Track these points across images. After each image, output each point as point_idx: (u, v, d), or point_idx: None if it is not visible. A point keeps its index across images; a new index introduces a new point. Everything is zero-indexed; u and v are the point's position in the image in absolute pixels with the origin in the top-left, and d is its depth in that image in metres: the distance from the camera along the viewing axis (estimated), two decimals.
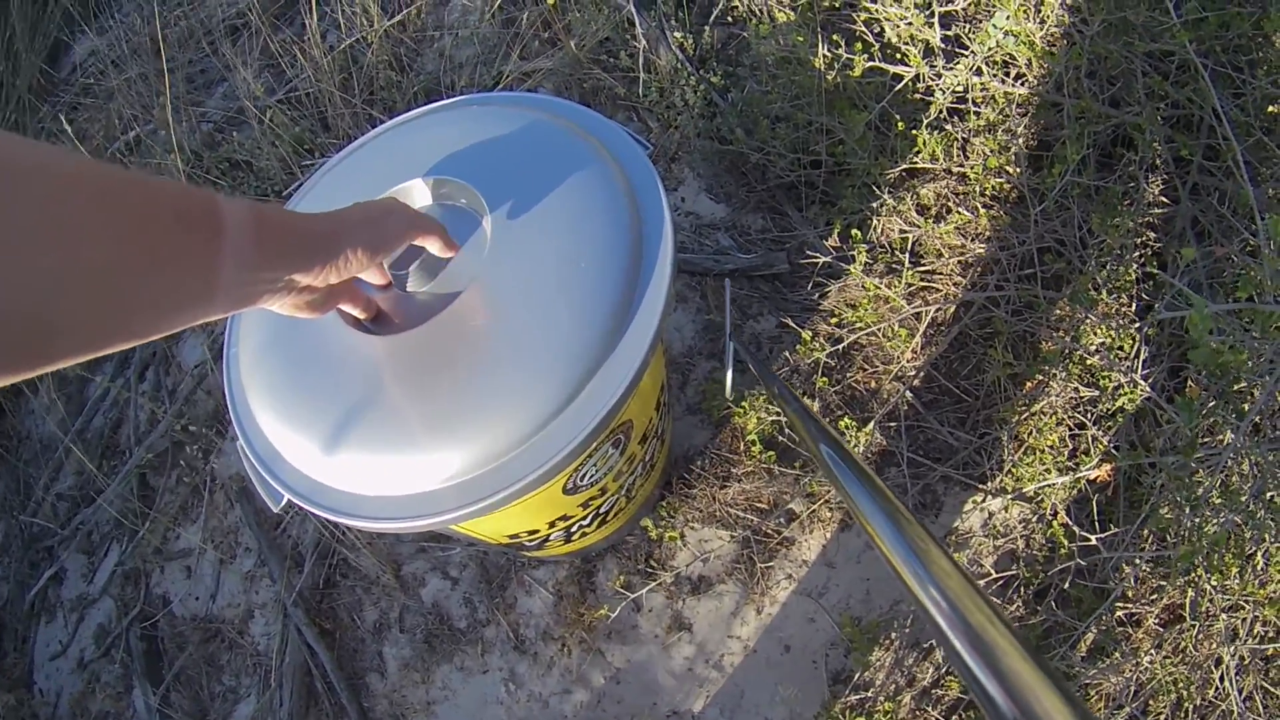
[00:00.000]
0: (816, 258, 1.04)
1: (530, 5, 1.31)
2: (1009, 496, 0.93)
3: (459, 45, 1.38)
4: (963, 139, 0.95)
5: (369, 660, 1.11)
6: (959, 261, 1.00)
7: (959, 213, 0.98)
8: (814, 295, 1.09)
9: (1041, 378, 0.92)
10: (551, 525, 0.81)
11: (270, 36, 1.49)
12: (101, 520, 1.37)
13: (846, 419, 0.98)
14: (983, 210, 0.98)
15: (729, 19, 1.24)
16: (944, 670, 0.92)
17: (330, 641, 1.12)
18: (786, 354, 1.09)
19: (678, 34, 1.19)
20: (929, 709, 0.91)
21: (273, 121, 1.32)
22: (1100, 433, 0.87)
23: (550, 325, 0.52)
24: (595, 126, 0.63)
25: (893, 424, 1.03)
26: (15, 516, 1.48)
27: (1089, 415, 0.90)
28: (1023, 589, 0.90)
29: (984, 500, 0.99)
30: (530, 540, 0.84)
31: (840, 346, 1.01)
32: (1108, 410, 0.87)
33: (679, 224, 1.21)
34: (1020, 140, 0.93)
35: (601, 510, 0.87)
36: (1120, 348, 0.86)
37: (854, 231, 0.95)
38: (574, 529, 0.85)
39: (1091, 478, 0.89)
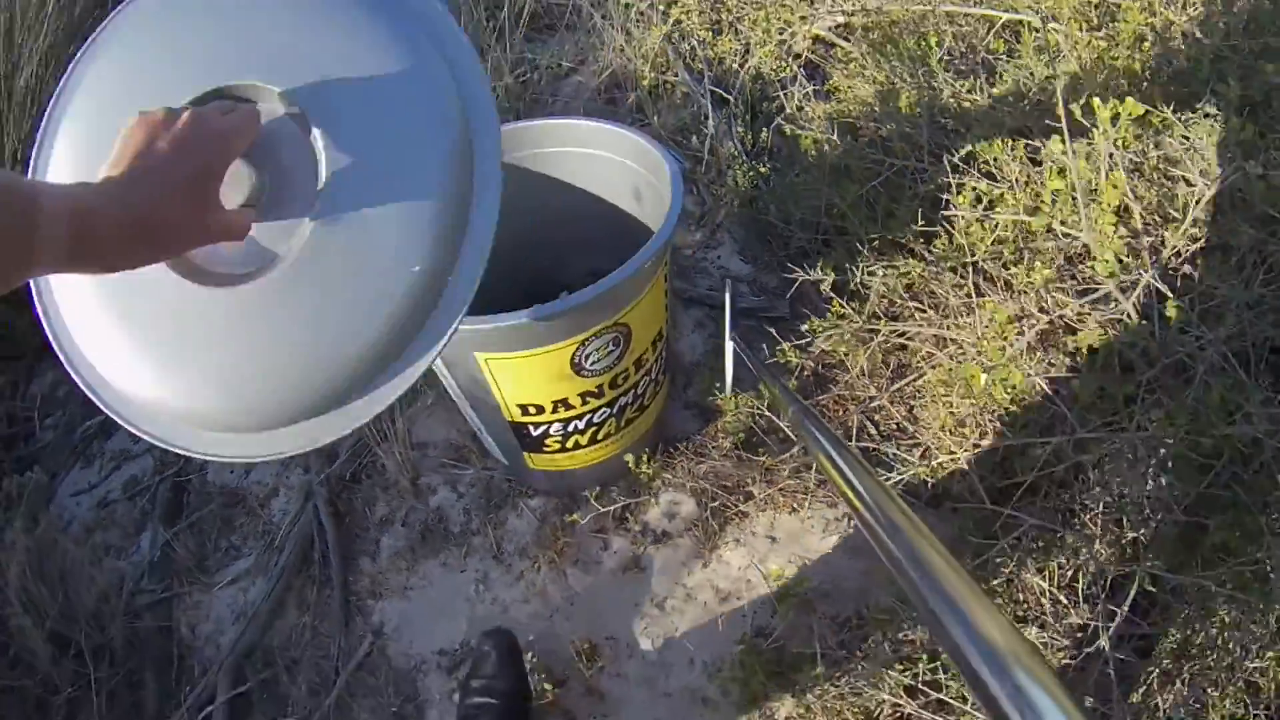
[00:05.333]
0: (815, 306, 1.43)
1: (631, 90, 1.85)
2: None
3: (568, 114, 1.92)
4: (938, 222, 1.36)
5: (366, 546, 1.41)
6: (912, 297, 1.36)
7: (928, 275, 1.36)
8: (810, 337, 1.45)
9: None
10: (554, 408, 1.15)
11: None
12: None
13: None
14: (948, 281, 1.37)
15: (784, 132, 1.74)
16: (849, 634, 1.18)
17: (339, 523, 1.43)
18: (776, 389, 1.45)
19: (739, 129, 1.69)
20: (836, 672, 1.16)
21: None
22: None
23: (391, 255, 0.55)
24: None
25: (854, 443, 1.36)
26: None
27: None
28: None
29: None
30: (535, 424, 1.18)
31: (817, 369, 1.37)
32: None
33: (714, 275, 1.63)
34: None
35: (596, 421, 1.21)
36: None
37: (822, 271, 1.32)
38: (570, 426, 1.19)
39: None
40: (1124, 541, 1.06)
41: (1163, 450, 1.05)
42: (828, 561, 1.27)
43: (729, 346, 1.23)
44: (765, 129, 1.72)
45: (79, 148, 0.59)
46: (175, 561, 1.48)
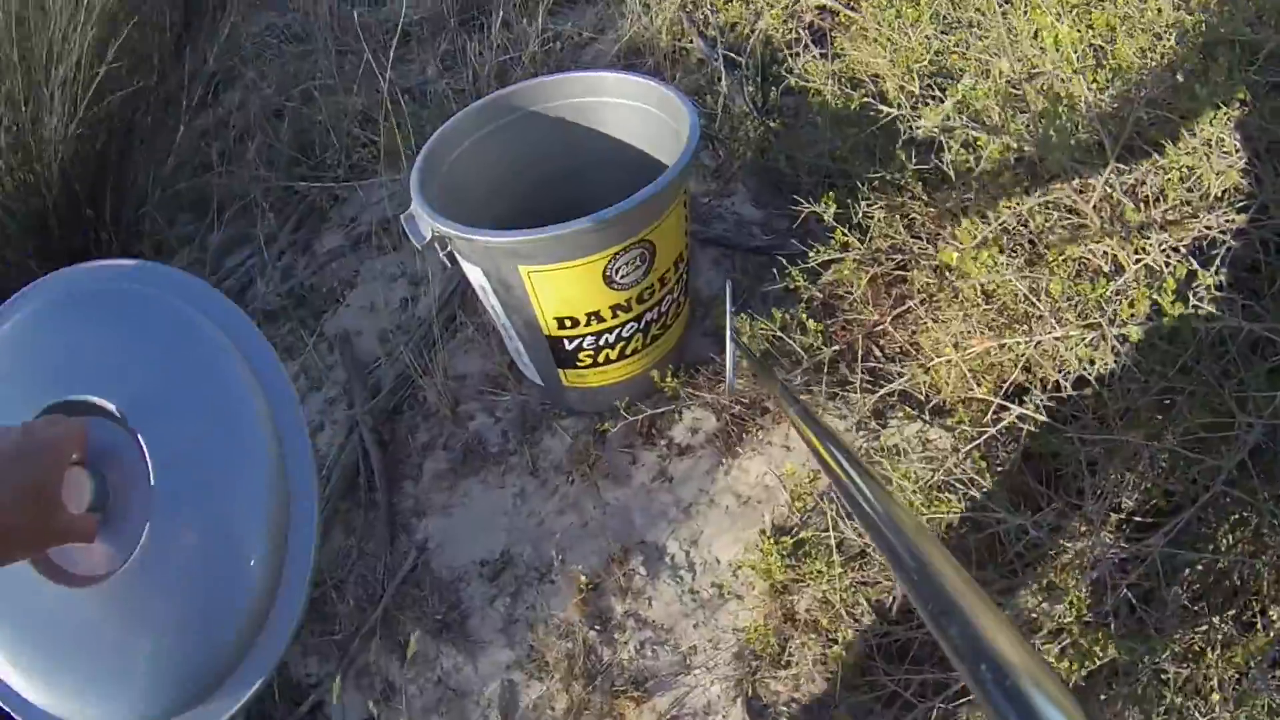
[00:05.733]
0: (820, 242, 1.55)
1: (649, 55, 1.98)
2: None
3: None
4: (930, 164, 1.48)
5: (409, 470, 1.53)
6: (911, 234, 1.48)
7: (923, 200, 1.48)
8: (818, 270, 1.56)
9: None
10: (588, 321, 1.27)
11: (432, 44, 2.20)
12: None
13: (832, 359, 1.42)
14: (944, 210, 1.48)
15: (793, 91, 1.87)
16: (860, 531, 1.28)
17: (383, 450, 1.54)
18: (788, 313, 1.56)
19: (750, 89, 1.82)
20: (852, 565, 1.27)
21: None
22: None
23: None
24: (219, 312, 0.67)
25: (856, 365, 1.47)
26: None
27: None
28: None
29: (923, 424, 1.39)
30: (570, 338, 1.30)
31: (824, 299, 1.48)
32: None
33: (728, 220, 1.76)
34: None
35: (625, 335, 1.33)
36: None
37: (848, 205, 1.45)
38: (601, 340, 1.31)
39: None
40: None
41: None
42: None
43: (729, 346, 1.26)
44: (774, 89, 1.84)
45: None
46: None
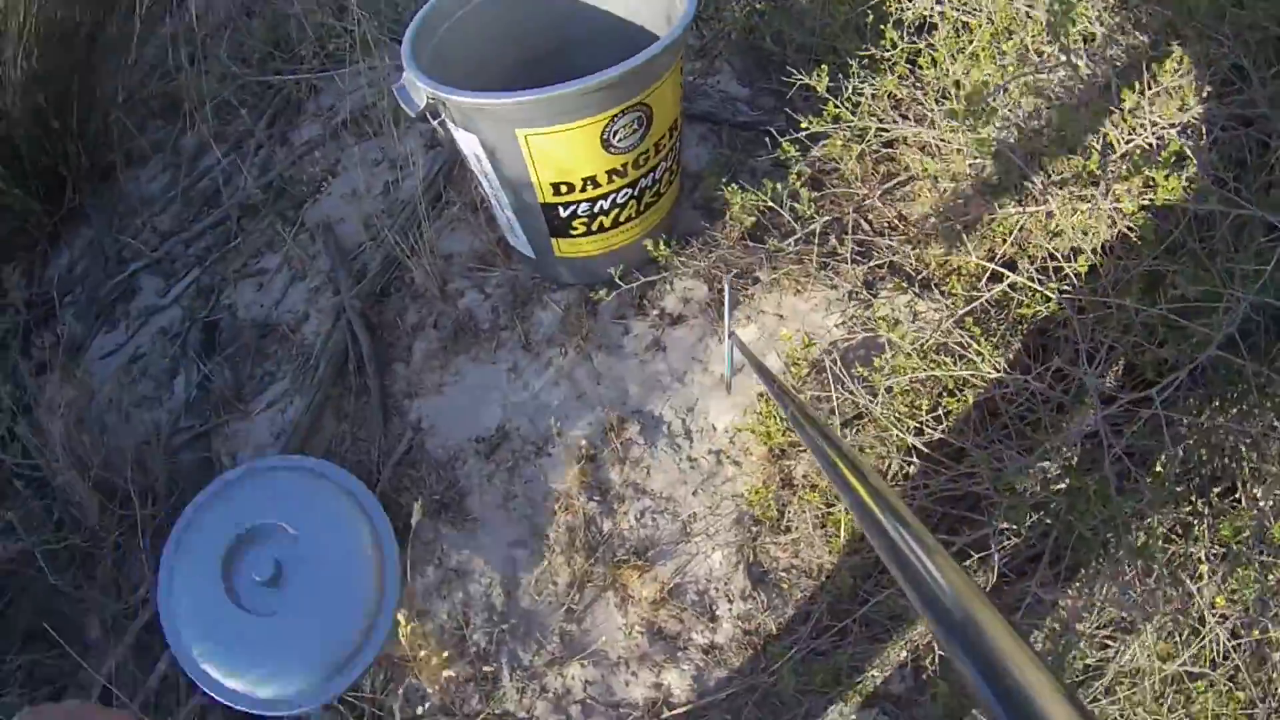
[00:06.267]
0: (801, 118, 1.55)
1: None
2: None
3: None
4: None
5: (399, 352, 1.53)
6: (899, 113, 1.49)
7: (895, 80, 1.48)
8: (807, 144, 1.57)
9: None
10: (584, 186, 1.27)
11: None
12: (189, 253, 1.82)
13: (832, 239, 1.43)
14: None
15: None
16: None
17: (372, 334, 1.54)
18: (778, 184, 1.57)
19: None
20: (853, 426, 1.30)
21: None
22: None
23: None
24: (361, 495, 1.07)
25: (846, 237, 1.49)
26: (103, 251, 1.92)
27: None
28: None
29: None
30: (565, 204, 1.29)
31: (814, 174, 1.49)
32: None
33: (714, 97, 1.74)
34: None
35: (619, 202, 1.33)
36: None
37: (816, 78, 1.44)
38: (595, 206, 1.31)
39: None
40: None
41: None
42: (831, 335, 1.41)
43: (728, 343, 1.28)
44: None
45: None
46: (211, 395, 1.58)
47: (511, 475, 1.39)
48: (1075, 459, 1.21)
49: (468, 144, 1.27)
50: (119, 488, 1.44)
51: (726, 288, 1.25)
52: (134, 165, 2.04)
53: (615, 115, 1.19)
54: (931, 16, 1.45)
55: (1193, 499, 1.16)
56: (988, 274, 1.32)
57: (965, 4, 1.44)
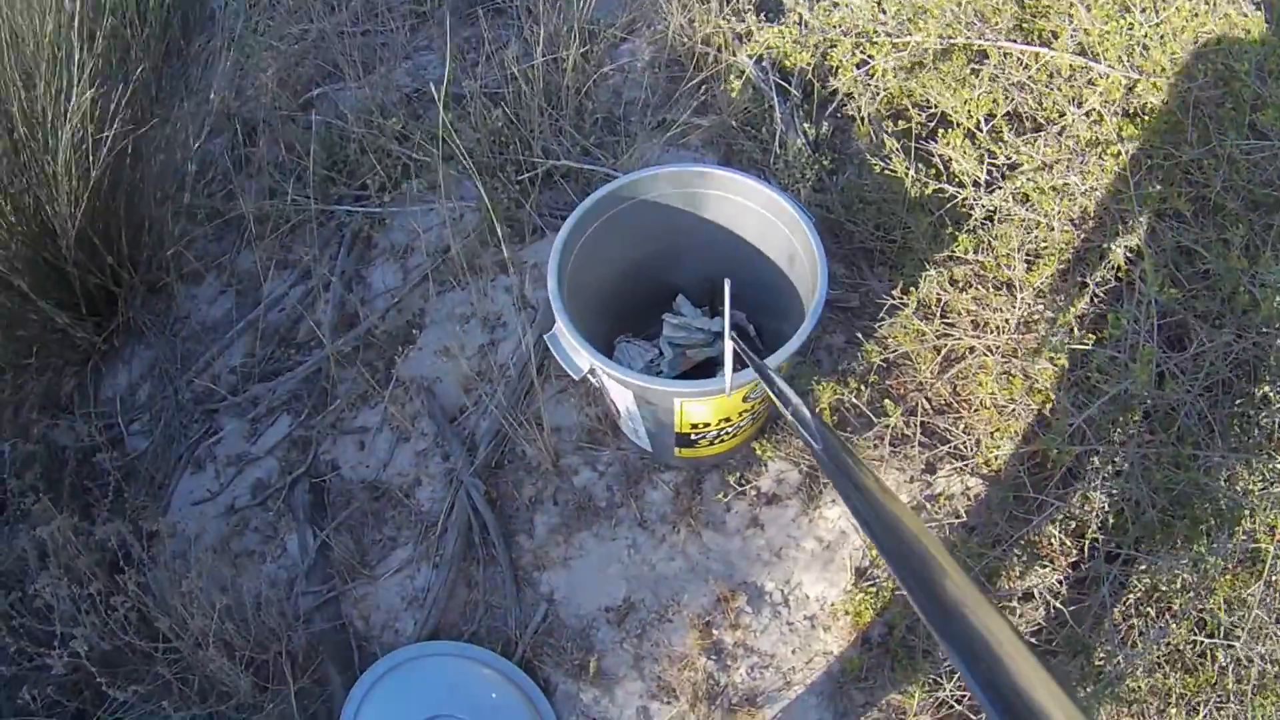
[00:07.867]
0: (883, 300, 1.77)
1: (691, 68, 2.01)
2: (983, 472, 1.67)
3: (629, 87, 2.06)
4: (988, 241, 1.71)
5: (521, 525, 1.72)
6: (971, 320, 1.75)
7: (976, 288, 1.73)
8: (875, 325, 1.80)
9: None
10: (719, 424, 1.47)
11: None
12: (275, 395, 1.89)
13: (889, 404, 1.69)
14: (992, 290, 1.74)
15: (839, 115, 1.98)
16: None
17: (493, 507, 1.71)
18: (851, 363, 1.80)
19: (805, 125, 1.92)
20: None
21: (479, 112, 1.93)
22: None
23: None
24: (510, 672, 1.42)
25: (912, 418, 1.76)
26: (171, 381, 1.95)
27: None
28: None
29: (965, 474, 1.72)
30: (697, 433, 1.50)
31: (889, 356, 1.73)
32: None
33: None
34: (1022, 249, 1.70)
35: (741, 425, 1.54)
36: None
37: (911, 289, 1.67)
38: (723, 431, 1.52)
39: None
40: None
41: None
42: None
43: (728, 345, 1.30)
44: (824, 121, 1.95)
45: None
46: (333, 560, 1.71)
47: (640, 640, 1.65)
48: None
49: (620, 397, 1.44)
50: (258, 660, 1.58)
51: (726, 287, 1.30)
52: (187, 281, 2.03)
53: (758, 383, 1.39)
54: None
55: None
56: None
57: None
